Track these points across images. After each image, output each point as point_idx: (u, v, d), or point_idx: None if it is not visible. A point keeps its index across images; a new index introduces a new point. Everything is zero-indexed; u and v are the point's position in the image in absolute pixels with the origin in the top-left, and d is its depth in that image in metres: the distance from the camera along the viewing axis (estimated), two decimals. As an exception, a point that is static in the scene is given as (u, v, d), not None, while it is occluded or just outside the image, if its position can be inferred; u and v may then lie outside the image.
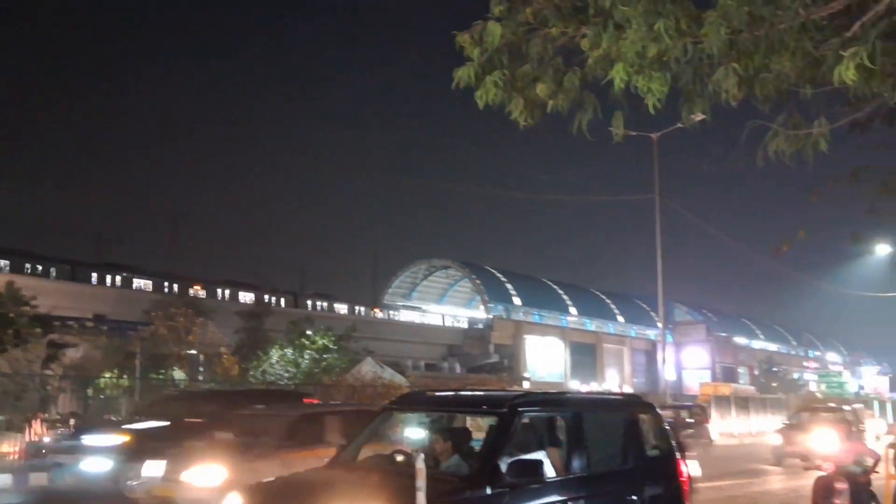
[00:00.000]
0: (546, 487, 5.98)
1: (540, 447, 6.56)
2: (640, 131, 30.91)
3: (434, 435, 6.65)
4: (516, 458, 5.91)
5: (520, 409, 6.27)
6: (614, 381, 61.21)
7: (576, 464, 6.37)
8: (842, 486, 9.86)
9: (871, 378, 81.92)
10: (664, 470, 7.33)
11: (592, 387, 52.53)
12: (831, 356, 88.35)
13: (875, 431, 27.22)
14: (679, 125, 30.02)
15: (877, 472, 10.70)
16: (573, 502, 6.13)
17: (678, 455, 7.70)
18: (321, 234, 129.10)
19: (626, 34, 4.92)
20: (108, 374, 25.07)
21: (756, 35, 4.71)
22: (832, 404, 29.60)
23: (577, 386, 51.66)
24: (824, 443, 18.96)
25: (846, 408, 26.39)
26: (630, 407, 7.53)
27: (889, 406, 52.40)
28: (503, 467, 5.73)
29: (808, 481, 16.09)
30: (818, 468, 10.32)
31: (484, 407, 6.86)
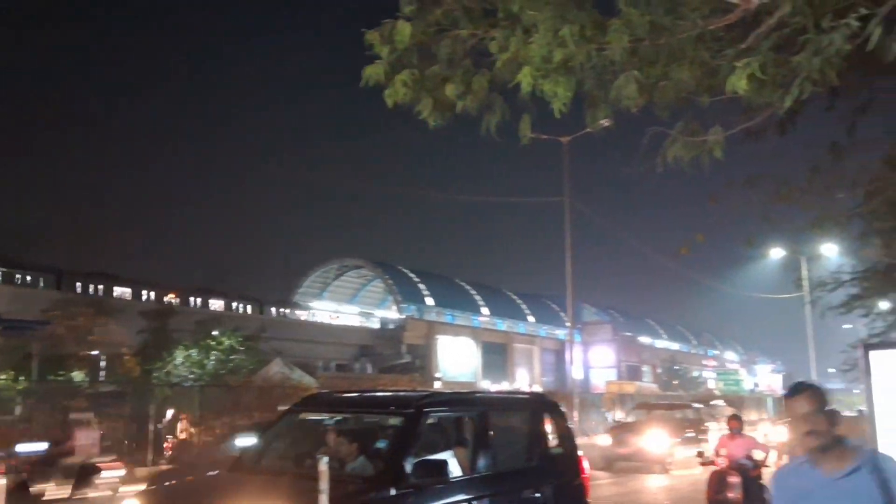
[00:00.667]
0: (451, 487, 6.00)
1: (447, 447, 6.59)
2: (552, 135, 31.53)
3: (340, 437, 6.59)
4: (421, 458, 5.92)
5: (426, 409, 6.28)
6: (524, 380, 62.11)
7: (481, 463, 6.42)
8: (734, 479, 10.28)
9: (765, 376, 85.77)
10: (567, 467, 7.48)
11: (503, 386, 53.19)
12: (729, 355, 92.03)
13: (763, 431, 27.91)
14: (588, 130, 30.79)
15: (767, 466, 11.19)
16: (478, 501, 6.18)
17: (580, 453, 7.88)
18: (234, 232, 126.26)
19: (532, 39, 4.98)
20: (2, 376, 23.83)
21: (657, 44, 4.84)
22: (676, 402, 30.12)
23: (488, 385, 52.18)
24: (657, 444, 19.50)
25: (696, 405, 26.96)
26: (535, 406, 7.66)
27: (781, 402, 54.97)
28: (408, 468, 5.73)
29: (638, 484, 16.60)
30: (713, 463, 10.72)
31: (390, 408, 6.84)
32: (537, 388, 50.22)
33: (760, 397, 59.72)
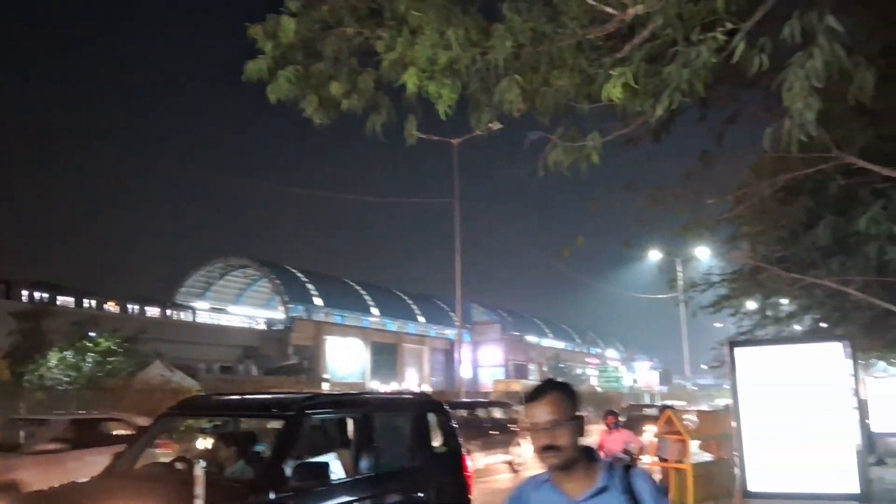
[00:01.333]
0: (333, 490, 5.95)
1: (329, 449, 6.53)
2: (443, 136, 31.77)
3: (218, 440, 6.42)
4: (303, 461, 5.84)
5: (307, 411, 6.19)
6: (414, 380, 62.27)
7: (364, 464, 6.39)
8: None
9: (644, 373, 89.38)
10: (451, 466, 7.55)
11: (393, 386, 53.13)
12: (611, 353, 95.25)
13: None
14: (477, 133, 31.04)
15: (640, 459, 11.66)
16: (360, 503, 6.15)
17: (464, 451, 7.97)
18: (114, 231, 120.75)
19: (418, 40, 4.99)
20: None
21: (538, 50, 4.95)
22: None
23: (377, 386, 51.99)
24: None
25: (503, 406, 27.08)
26: (419, 406, 7.68)
27: (657, 398, 57.53)
28: (288, 471, 5.64)
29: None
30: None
31: (271, 410, 6.70)
32: (427, 388, 50.47)
33: (639, 393, 62.17)
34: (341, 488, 6.07)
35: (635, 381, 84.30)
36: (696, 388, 72.86)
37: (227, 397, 8.12)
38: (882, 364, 21.57)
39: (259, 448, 6.44)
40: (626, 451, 11.21)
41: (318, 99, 5.50)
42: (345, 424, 6.87)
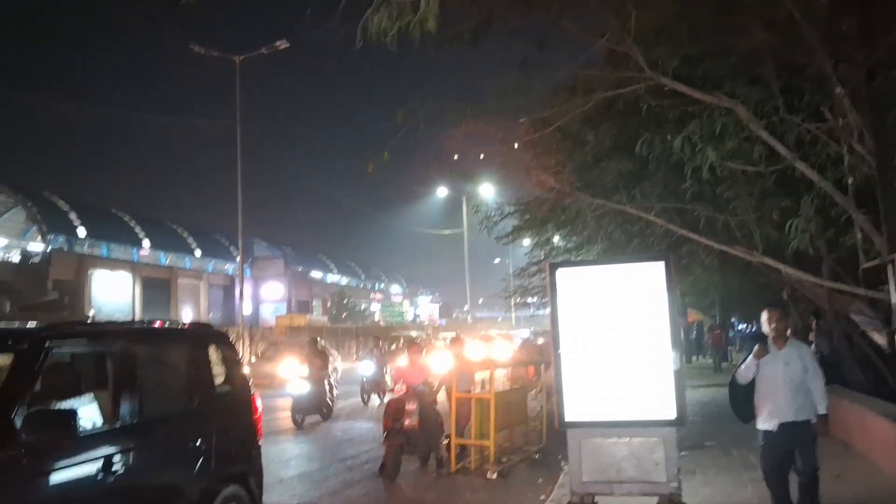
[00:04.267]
0: (82, 443, 4.64)
1: (79, 392, 5.14)
2: (223, 53, 29.26)
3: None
4: (39, 409, 4.47)
5: (48, 344, 4.77)
6: (190, 317, 58.98)
7: (126, 409, 5.11)
8: (412, 406, 10.00)
9: (426, 307, 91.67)
10: (235, 407, 6.43)
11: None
12: (395, 288, 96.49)
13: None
14: (263, 51, 28.93)
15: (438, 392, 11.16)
16: (121, 456, 4.89)
17: (252, 390, 6.85)
18: None
19: None
20: None
21: None
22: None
23: (148, 323, 48.41)
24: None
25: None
26: (197, 338, 6.41)
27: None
28: (19, 422, 4.26)
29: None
30: (391, 391, 10.38)
31: (-3, 343, 5.15)
32: (204, 324, 47.85)
33: (422, 326, 63.37)
34: (94, 440, 4.78)
35: (418, 315, 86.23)
36: (473, 321, 75.64)
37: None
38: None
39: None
40: (426, 384, 10.62)
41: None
42: (100, 361, 5.48)
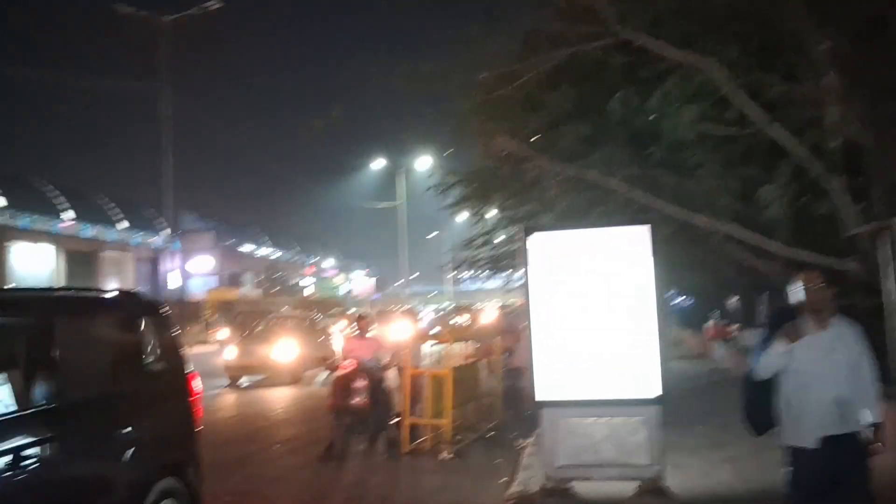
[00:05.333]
0: (-16, 433, 3.86)
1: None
2: (152, 14, 27.72)
3: None
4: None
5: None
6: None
7: (40, 392, 4.34)
8: (361, 383, 9.36)
9: (360, 281, 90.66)
10: (171, 388, 5.66)
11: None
12: (329, 261, 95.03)
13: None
14: (193, 10, 27.35)
15: (390, 367, 10.55)
16: (35, 447, 4.12)
17: (190, 368, 6.08)
18: None
19: None
20: None
21: None
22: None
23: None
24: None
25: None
26: (127, 309, 5.60)
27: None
28: None
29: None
30: (340, 367, 9.70)
31: None
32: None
33: (358, 300, 62.57)
34: (1, 428, 3.99)
35: (352, 290, 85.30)
36: (409, 296, 75.11)
37: None
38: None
39: None
40: (375, 359, 9.97)
41: None
42: (10, 335, 4.66)
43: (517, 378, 10.57)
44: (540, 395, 6.07)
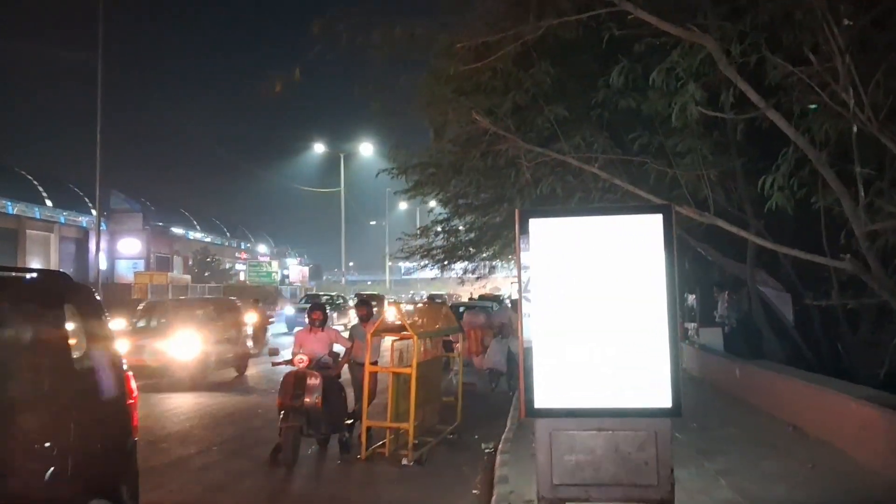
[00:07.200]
0: None
1: None
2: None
3: None
4: None
5: None
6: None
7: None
8: (314, 381, 8.46)
9: (295, 268, 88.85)
10: (103, 389, 4.69)
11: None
12: (262, 248, 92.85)
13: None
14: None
15: (349, 362, 9.69)
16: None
17: (124, 364, 5.12)
18: None
19: None
20: None
21: None
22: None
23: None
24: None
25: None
26: (47, 293, 4.58)
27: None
28: None
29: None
30: (291, 363, 8.76)
31: None
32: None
33: (292, 288, 60.99)
34: None
35: (287, 277, 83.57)
36: (346, 284, 73.87)
37: None
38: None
39: None
40: (331, 354, 9.06)
41: None
42: None
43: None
44: (538, 403, 5.29)
